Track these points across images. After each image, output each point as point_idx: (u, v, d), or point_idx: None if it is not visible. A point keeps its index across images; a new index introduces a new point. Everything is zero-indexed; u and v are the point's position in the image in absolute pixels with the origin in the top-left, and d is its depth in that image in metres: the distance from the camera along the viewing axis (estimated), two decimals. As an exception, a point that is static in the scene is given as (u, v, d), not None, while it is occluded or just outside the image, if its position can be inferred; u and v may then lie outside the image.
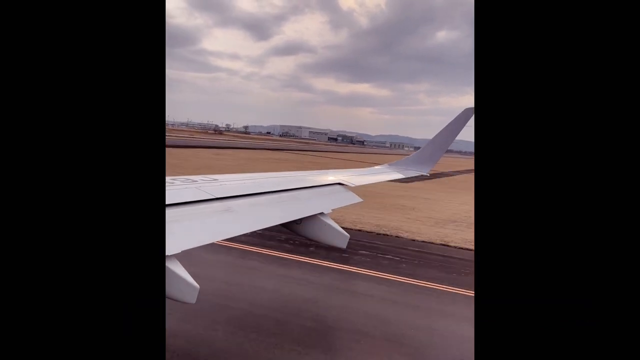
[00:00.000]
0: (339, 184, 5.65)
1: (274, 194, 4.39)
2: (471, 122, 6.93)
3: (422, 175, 8.03)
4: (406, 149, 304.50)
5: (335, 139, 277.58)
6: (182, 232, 2.85)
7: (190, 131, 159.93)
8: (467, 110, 7.48)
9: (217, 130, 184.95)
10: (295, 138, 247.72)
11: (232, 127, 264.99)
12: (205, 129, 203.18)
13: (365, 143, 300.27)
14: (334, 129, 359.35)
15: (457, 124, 7.61)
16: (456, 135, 7.65)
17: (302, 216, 4.27)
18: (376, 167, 8.33)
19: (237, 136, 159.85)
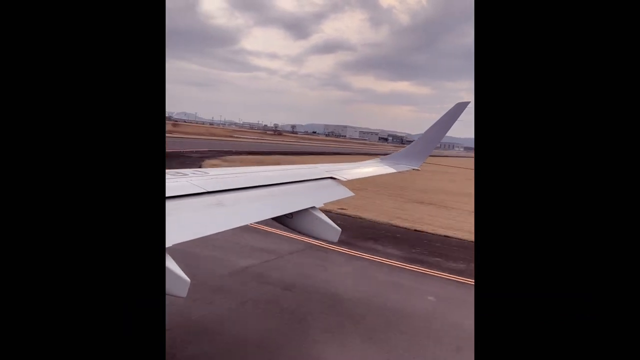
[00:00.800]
0: (331, 178, 5.64)
1: (265, 188, 4.42)
2: (462, 117, 7.09)
3: (413, 170, 7.80)
4: (457, 149, 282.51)
5: (386, 139, 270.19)
6: (173, 226, 2.81)
7: (257, 132, 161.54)
8: (459, 104, 7.20)
9: (276, 131, 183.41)
10: (343, 138, 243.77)
11: (279, 126, 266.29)
12: (263, 130, 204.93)
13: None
14: (372, 128, 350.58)
15: (449, 119, 7.33)
16: (448, 130, 7.41)
17: (293, 210, 4.32)
18: (368, 161, 8.22)
19: (296, 137, 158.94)
